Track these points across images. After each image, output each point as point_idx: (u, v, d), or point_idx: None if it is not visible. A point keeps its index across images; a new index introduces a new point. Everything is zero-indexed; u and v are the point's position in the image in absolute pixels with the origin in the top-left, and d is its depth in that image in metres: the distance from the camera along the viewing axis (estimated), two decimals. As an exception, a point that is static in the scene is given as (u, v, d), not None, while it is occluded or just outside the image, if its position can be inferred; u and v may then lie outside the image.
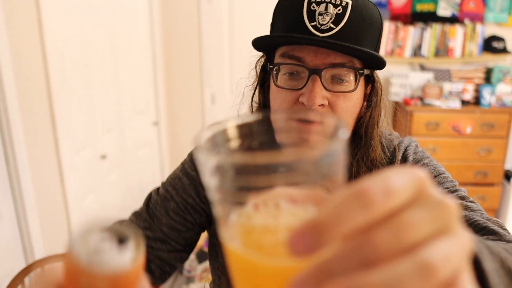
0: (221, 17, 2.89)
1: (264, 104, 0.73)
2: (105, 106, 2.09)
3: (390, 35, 2.82)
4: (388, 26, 2.81)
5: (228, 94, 2.97)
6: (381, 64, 0.63)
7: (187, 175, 0.74)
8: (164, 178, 0.78)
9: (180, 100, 2.99)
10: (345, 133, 0.23)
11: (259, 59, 0.75)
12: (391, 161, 0.74)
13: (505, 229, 0.57)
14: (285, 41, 0.62)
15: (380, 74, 0.71)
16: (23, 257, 1.57)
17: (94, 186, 2.02)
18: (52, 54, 1.60)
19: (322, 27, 0.59)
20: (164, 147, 2.89)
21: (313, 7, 0.59)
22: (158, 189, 0.76)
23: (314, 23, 0.59)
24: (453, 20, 2.79)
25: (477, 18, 2.79)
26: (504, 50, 2.84)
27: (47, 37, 1.56)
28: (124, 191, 2.37)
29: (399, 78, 2.87)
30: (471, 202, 0.65)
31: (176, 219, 0.71)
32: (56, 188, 1.71)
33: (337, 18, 0.59)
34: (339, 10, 0.58)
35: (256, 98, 0.74)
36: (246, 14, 2.85)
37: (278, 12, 0.65)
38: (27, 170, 1.50)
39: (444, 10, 2.77)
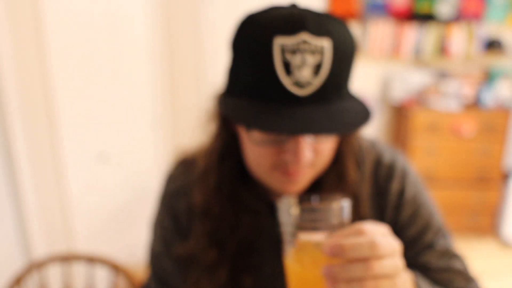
0: (221, 17, 2.90)
1: (230, 144, 0.63)
2: (105, 106, 2.10)
3: (390, 35, 2.82)
4: (388, 26, 2.81)
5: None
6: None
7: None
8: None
9: (180, 100, 2.99)
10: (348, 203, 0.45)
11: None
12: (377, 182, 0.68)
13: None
14: (274, 129, 0.49)
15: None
16: (23, 257, 1.57)
17: (94, 186, 2.02)
18: (52, 54, 1.60)
19: (300, 83, 0.49)
20: (164, 147, 2.89)
21: (287, 57, 0.48)
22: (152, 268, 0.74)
23: (291, 79, 0.49)
24: (453, 20, 2.79)
25: (477, 18, 2.79)
26: (504, 50, 2.84)
27: (47, 37, 1.56)
28: (124, 191, 2.37)
29: (399, 79, 2.87)
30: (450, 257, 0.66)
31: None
32: (56, 188, 1.71)
33: (317, 70, 0.49)
34: (317, 59, 0.49)
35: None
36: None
37: (240, 50, 0.53)
38: (27, 170, 1.50)
39: (444, 10, 2.77)
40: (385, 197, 0.67)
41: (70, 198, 1.78)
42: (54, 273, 1.60)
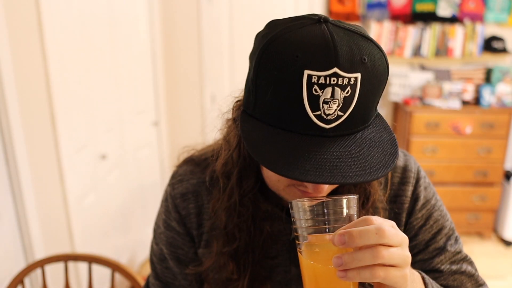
0: (221, 17, 2.90)
1: (248, 157, 0.61)
2: (105, 106, 2.09)
3: (390, 35, 2.82)
4: (388, 26, 2.81)
5: (228, 94, 2.97)
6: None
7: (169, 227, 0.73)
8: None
9: (180, 100, 2.99)
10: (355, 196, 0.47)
11: (239, 107, 0.60)
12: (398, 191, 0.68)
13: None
14: (298, 177, 0.45)
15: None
16: (23, 257, 1.57)
17: (94, 186, 2.02)
18: (52, 54, 1.60)
19: (328, 117, 0.46)
20: (164, 147, 2.89)
21: (315, 91, 0.45)
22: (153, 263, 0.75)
23: (318, 113, 0.46)
24: (453, 20, 2.79)
25: (477, 18, 2.79)
26: (504, 50, 2.84)
27: (47, 37, 1.56)
28: (124, 191, 2.37)
29: (399, 78, 2.87)
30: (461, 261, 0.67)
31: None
32: (56, 188, 1.71)
33: (345, 103, 0.46)
34: (347, 92, 0.45)
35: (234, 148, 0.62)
36: (246, 14, 2.85)
37: (263, 72, 0.49)
38: (27, 170, 1.50)
39: (444, 10, 2.77)
40: (400, 203, 0.67)
41: (70, 198, 1.78)
42: (54, 273, 1.60)
